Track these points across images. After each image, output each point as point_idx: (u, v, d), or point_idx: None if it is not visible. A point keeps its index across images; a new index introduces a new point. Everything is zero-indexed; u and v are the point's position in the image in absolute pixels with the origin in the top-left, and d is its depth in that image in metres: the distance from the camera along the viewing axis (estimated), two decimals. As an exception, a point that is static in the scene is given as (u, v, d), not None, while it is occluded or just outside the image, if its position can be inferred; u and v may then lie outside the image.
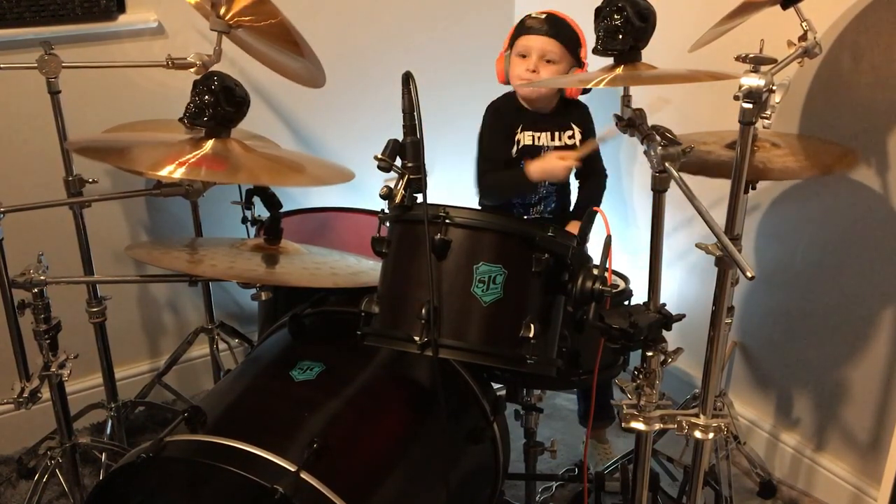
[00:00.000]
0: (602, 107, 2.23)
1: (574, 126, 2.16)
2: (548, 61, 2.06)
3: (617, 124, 1.37)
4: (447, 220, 1.40)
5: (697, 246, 1.30)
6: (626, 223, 2.62)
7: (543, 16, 2.06)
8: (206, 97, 1.52)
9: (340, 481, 1.34)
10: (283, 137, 2.51)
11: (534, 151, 2.12)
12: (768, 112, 1.28)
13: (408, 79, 1.35)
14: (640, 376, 1.30)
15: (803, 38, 1.63)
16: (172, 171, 1.42)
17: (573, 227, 2.11)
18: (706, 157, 1.75)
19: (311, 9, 2.45)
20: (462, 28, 2.72)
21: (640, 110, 1.33)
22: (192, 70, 1.95)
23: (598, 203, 2.23)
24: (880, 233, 1.92)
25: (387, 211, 1.45)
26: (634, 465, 1.44)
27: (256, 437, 1.36)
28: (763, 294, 2.25)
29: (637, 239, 2.57)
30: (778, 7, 1.67)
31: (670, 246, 2.39)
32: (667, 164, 1.22)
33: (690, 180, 1.23)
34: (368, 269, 1.74)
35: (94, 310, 2.06)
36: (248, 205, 1.98)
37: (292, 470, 1.30)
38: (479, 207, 2.23)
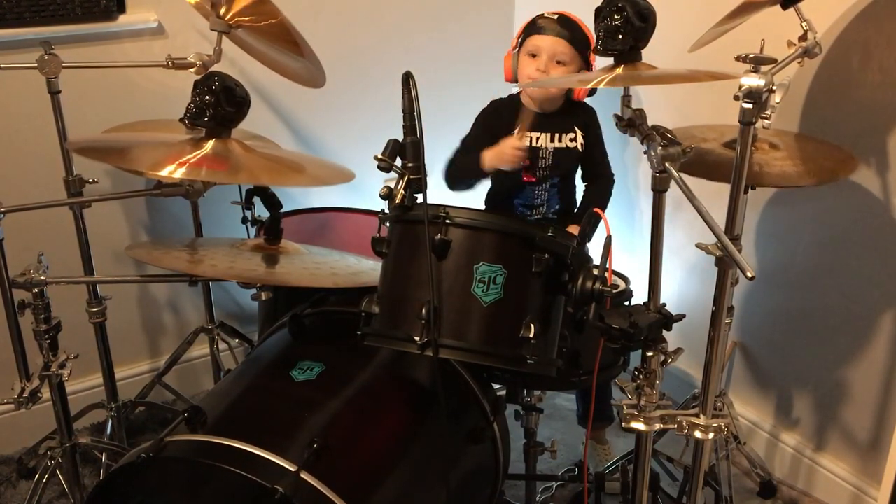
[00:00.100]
0: (603, 107, 2.23)
1: (577, 129, 2.16)
2: (558, 62, 2.05)
3: (617, 124, 1.37)
4: (447, 220, 1.40)
5: (697, 246, 1.30)
6: (626, 223, 2.62)
7: (556, 16, 2.06)
8: (207, 97, 1.53)
9: (340, 481, 1.34)
10: (283, 137, 2.51)
11: (532, 152, 2.12)
12: (768, 112, 1.28)
13: (408, 79, 1.35)
14: (641, 376, 1.30)
15: (803, 38, 1.63)
16: (173, 172, 1.43)
17: (574, 231, 2.10)
18: (706, 157, 1.74)
19: (311, 9, 2.45)
20: (462, 28, 2.72)
21: (640, 110, 1.33)
22: (192, 70, 1.95)
23: (604, 207, 2.22)
24: (880, 233, 1.92)
25: (387, 211, 1.45)
26: (634, 465, 1.44)
27: (256, 437, 1.36)
28: (763, 294, 2.25)
29: (637, 239, 2.57)
30: (778, 7, 1.67)
31: (670, 246, 2.38)
32: (667, 164, 1.22)
33: (690, 180, 1.23)
34: (368, 269, 1.74)
35: (94, 310, 2.06)
36: (248, 205, 1.98)
37: (292, 470, 1.30)
38: (481, 208, 2.24)
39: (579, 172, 2.25)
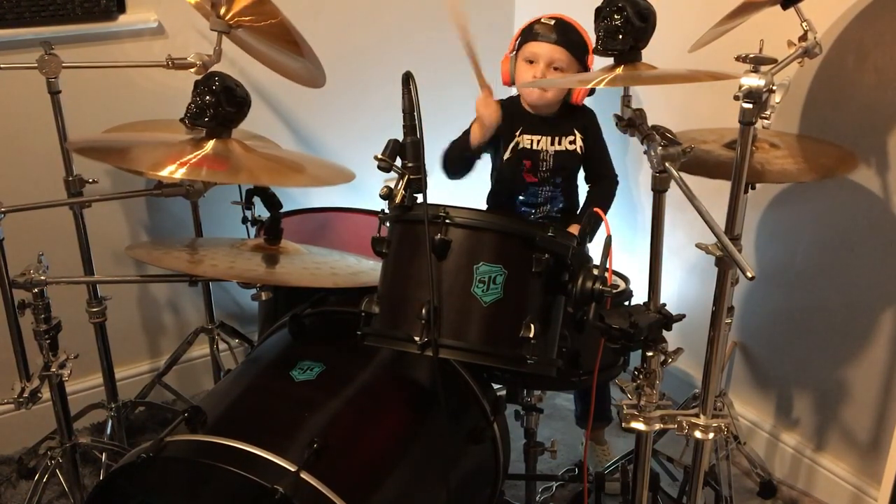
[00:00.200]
0: (603, 108, 2.23)
1: (577, 132, 2.16)
2: (555, 69, 2.05)
3: (617, 124, 1.37)
4: (447, 220, 1.40)
5: (697, 246, 1.30)
6: (626, 223, 2.62)
7: (553, 22, 2.05)
8: (207, 97, 1.53)
9: (340, 481, 1.34)
10: (283, 137, 2.51)
11: (533, 155, 2.12)
12: (768, 112, 1.28)
13: (408, 79, 1.35)
14: (641, 376, 1.30)
15: (803, 38, 1.63)
16: (173, 172, 1.43)
17: (574, 231, 2.10)
18: (706, 158, 1.75)
19: (311, 9, 2.45)
20: (462, 28, 2.72)
21: (640, 110, 1.33)
22: (192, 70, 1.95)
23: (607, 208, 2.21)
24: (880, 233, 1.92)
25: (387, 211, 1.45)
26: (634, 465, 1.44)
27: (256, 437, 1.36)
28: (763, 294, 2.25)
29: (637, 239, 2.57)
30: (778, 7, 1.67)
31: (670, 246, 2.39)
32: (667, 164, 1.22)
33: (690, 180, 1.23)
34: (368, 269, 1.74)
35: (95, 310, 2.06)
36: (248, 205, 1.98)
37: (292, 470, 1.30)
38: (482, 208, 2.24)
39: (582, 173, 2.25)
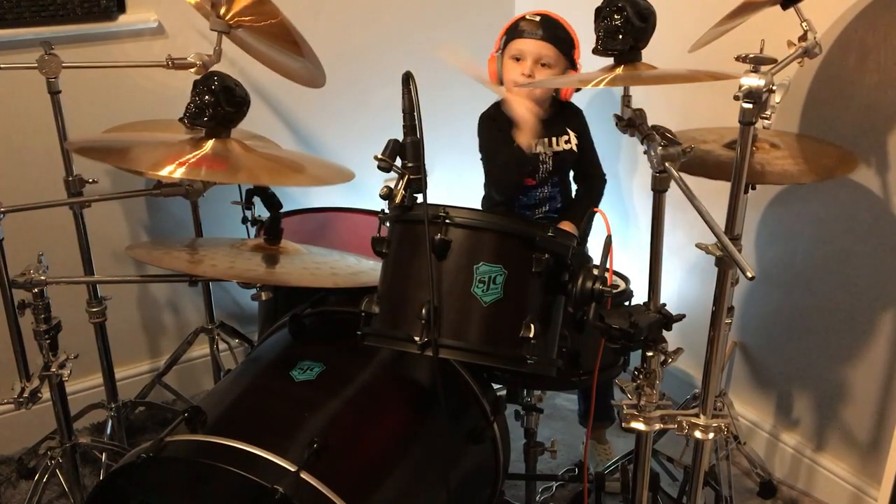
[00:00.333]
0: (599, 108, 2.23)
1: (569, 131, 2.16)
2: (543, 65, 2.04)
3: (617, 124, 1.37)
4: (447, 220, 1.40)
5: (697, 246, 1.30)
6: (626, 223, 2.62)
7: (538, 18, 2.04)
8: (207, 97, 1.53)
9: (340, 481, 1.34)
10: (283, 137, 2.51)
11: (532, 159, 2.11)
12: (768, 112, 1.28)
13: (408, 79, 1.35)
14: (641, 376, 1.30)
15: (803, 38, 1.63)
16: (172, 171, 1.43)
17: (567, 227, 2.10)
18: (706, 158, 1.75)
19: (311, 9, 2.45)
20: (462, 28, 2.72)
21: (640, 110, 1.33)
22: (192, 70, 1.95)
23: (596, 206, 2.21)
24: (880, 233, 1.92)
25: (387, 211, 1.45)
26: (634, 465, 1.44)
27: (256, 437, 1.36)
28: (763, 294, 2.25)
29: (637, 239, 2.57)
30: (778, 7, 1.67)
31: (670, 246, 2.39)
32: (667, 164, 1.22)
33: (690, 180, 1.23)
34: (368, 269, 1.74)
35: (94, 310, 2.06)
36: (248, 205, 1.98)
37: (292, 470, 1.30)
38: (481, 207, 2.23)
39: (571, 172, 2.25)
